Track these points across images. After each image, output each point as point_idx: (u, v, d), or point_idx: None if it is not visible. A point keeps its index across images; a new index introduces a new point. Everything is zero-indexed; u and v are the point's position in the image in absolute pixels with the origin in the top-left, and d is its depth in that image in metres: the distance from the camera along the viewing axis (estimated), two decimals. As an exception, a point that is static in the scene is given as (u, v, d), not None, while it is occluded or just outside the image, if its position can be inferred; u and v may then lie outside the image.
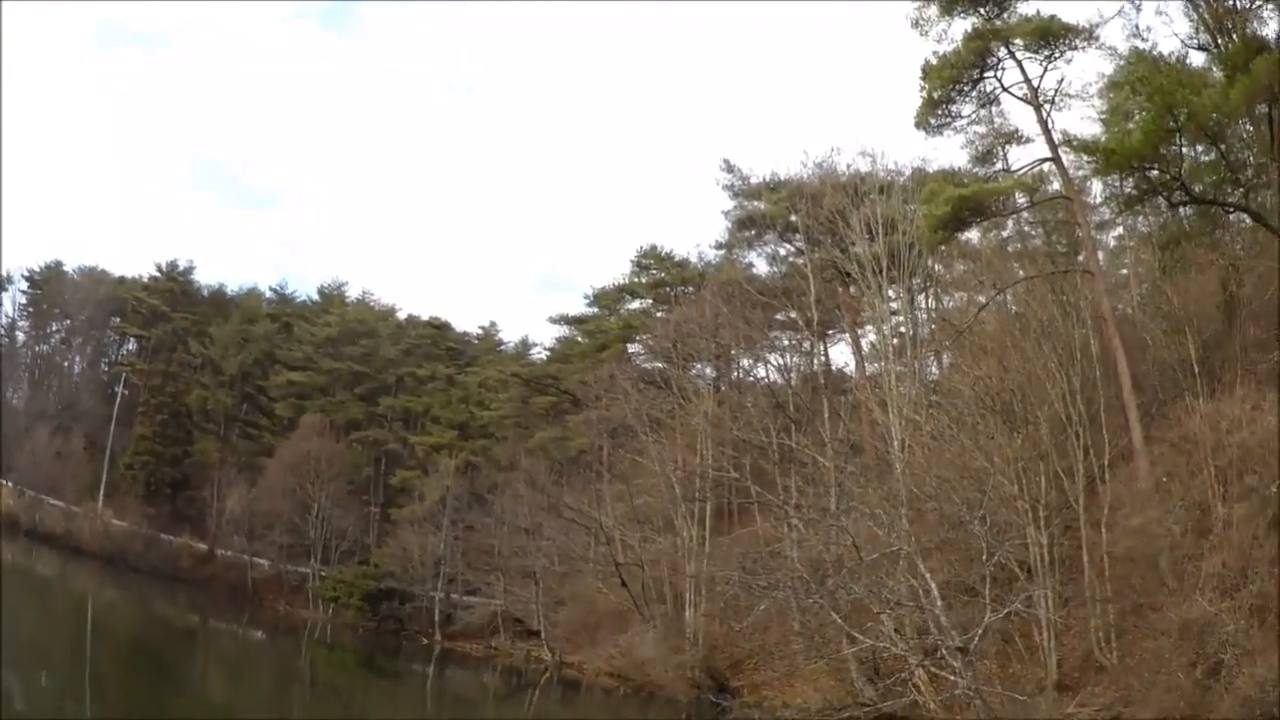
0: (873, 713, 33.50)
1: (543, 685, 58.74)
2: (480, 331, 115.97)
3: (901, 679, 32.39)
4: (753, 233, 70.35)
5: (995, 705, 28.56)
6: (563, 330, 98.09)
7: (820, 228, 55.50)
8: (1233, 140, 37.80)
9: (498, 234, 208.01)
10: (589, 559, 64.90)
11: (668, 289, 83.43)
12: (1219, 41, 36.12)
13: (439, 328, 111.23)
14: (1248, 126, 38.17)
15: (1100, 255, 49.02)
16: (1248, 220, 38.79)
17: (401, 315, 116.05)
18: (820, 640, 38.51)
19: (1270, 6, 35.71)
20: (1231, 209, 38.98)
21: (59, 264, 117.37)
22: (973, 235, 50.91)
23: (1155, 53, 36.51)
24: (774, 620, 43.97)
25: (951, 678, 28.73)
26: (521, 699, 57.45)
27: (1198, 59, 37.42)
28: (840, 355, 71.34)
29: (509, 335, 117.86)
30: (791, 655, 43.26)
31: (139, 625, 61.74)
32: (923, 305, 58.45)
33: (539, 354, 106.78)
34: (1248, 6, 36.48)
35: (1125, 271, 52.95)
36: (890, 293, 53.10)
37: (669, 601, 57.12)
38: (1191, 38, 37.15)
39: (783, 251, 69.70)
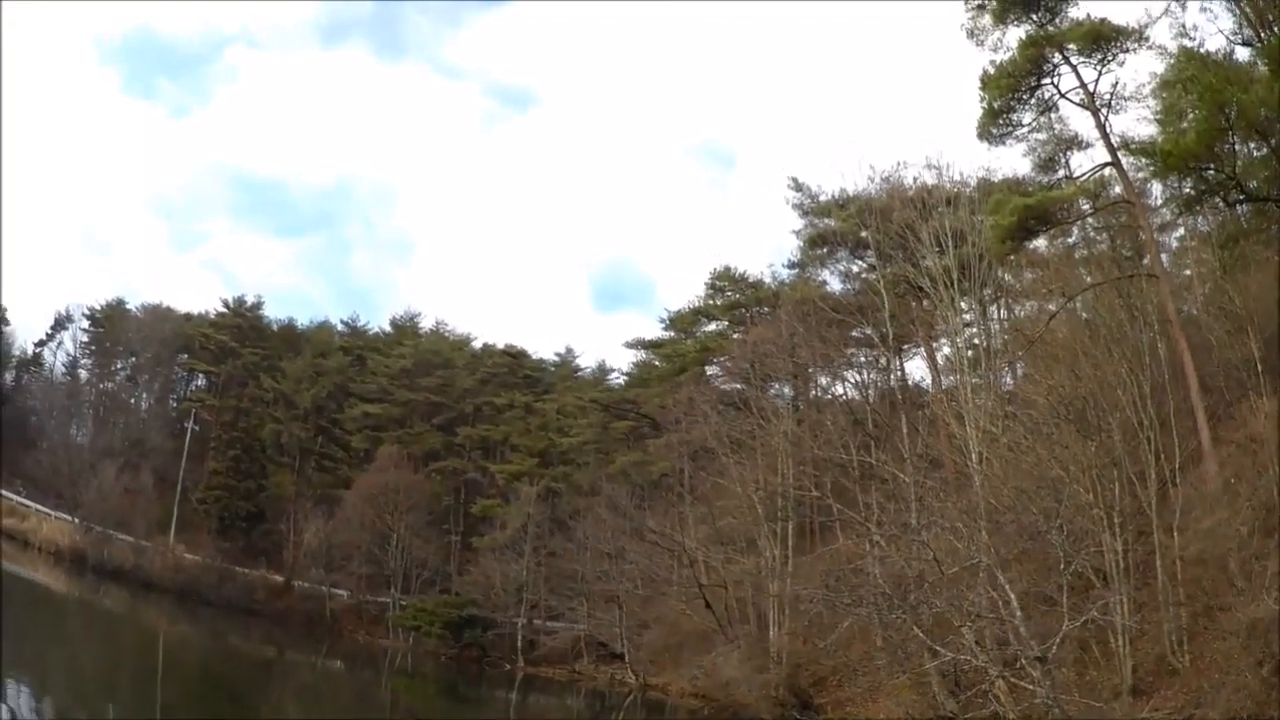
0: (954, 724, 35.23)
1: (627, 707, 61.54)
2: (557, 358, 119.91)
3: (982, 690, 33.30)
4: (824, 250, 72.82)
5: (1073, 712, 29.50)
6: (640, 355, 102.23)
7: (891, 242, 58.66)
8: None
9: (572, 262, 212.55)
10: (672, 581, 68.35)
11: (743, 310, 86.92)
12: (1261, 36, 37.24)
13: (515, 356, 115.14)
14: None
15: (1164, 257, 50.82)
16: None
17: (477, 345, 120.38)
18: (903, 655, 39.73)
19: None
20: (1285, 204, 40.45)
21: (121, 301, 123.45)
22: (1040, 243, 53.09)
23: (1202, 51, 38.07)
24: (857, 637, 45.94)
25: (1030, 687, 29.56)
26: (605, 721, 60.67)
27: (1243, 55, 38.86)
28: (916, 369, 73.37)
29: (586, 361, 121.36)
30: (874, 671, 45.21)
31: (212, 658, 62.35)
32: (995, 316, 60.88)
33: (616, 379, 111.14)
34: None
35: (1189, 272, 54.26)
36: (962, 305, 56.00)
37: (752, 621, 59.97)
38: (1235, 33, 38.39)
39: (855, 268, 72.11)
